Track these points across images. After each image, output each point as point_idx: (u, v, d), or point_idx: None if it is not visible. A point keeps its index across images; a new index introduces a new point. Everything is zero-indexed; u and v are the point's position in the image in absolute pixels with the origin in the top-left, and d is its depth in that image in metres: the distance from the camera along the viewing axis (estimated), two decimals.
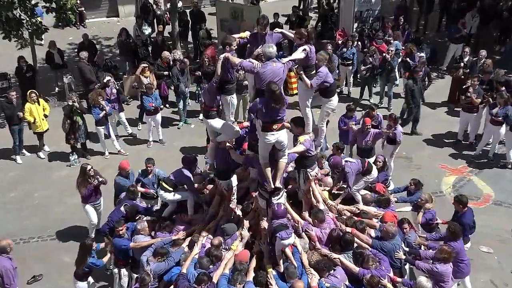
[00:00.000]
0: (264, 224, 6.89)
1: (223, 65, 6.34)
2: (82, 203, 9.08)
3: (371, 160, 9.14)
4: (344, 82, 15.00)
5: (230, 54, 6.34)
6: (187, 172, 7.42)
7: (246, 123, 7.59)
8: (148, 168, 9.13)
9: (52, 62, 14.52)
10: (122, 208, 7.97)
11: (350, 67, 14.45)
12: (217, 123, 6.74)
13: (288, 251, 6.49)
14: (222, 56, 6.28)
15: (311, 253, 6.70)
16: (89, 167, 8.82)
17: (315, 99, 6.94)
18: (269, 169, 6.42)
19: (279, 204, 6.43)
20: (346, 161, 7.79)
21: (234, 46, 6.42)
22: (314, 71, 6.58)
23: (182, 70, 12.92)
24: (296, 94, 7.27)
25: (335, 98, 6.99)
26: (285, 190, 7.13)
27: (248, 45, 6.82)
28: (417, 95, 12.40)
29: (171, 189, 7.35)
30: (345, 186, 7.74)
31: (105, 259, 7.61)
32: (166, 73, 13.34)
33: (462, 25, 15.65)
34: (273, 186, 6.45)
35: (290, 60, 6.33)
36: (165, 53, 13.60)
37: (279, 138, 6.22)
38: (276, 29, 6.92)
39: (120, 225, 7.37)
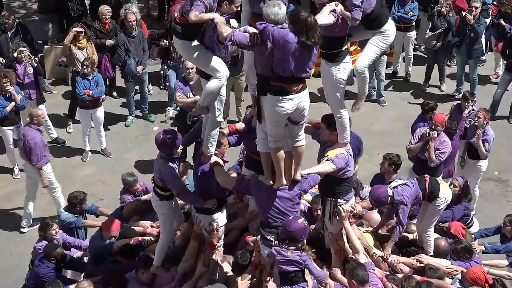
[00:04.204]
0: (271, 286, 6.87)
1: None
2: None
3: None
4: (400, 57, 15.06)
5: (225, 18, 6.39)
6: (169, 166, 7.22)
7: (241, 125, 7.61)
8: (83, 207, 9.33)
9: None
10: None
11: (410, 33, 14.54)
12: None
13: None
14: (212, 16, 6.33)
15: None
16: None
17: (358, 33, 6.87)
18: (283, 155, 6.47)
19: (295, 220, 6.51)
20: (394, 187, 7.75)
21: (236, 6, 6.50)
22: None
23: (133, 37, 12.93)
24: (318, 75, 7.29)
25: (391, 28, 6.90)
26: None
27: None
28: None
29: (167, 194, 7.32)
30: (398, 224, 7.73)
31: None
32: (109, 41, 13.41)
33: None
34: (284, 182, 6.54)
35: None
36: (103, 8, 13.62)
37: (300, 104, 6.27)
38: None
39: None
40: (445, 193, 7.74)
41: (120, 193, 9.71)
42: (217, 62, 6.55)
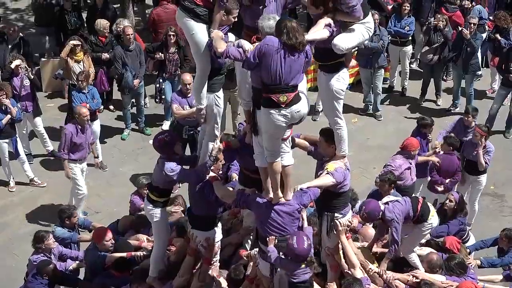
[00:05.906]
0: None
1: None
2: None
3: None
4: (396, 71, 15.12)
5: (222, 31, 6.44)
6: (172, 165, 7.06)
7: (234, 141, 7.56)
8: (72, 220, 9.21)
9: None
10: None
11: (406, 48, 14.58)
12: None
13: None
14: (212, 34, 6.41)
15: None
16: None
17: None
18: (279, 169, 6.46)
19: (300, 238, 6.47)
20: (385, 203, 7.76)
21: (234, 17, 6.54)
22: None
23: (130, 50, 12.96)
24: (314, 89, 7.31)
25: (372, 21, 6.91)
26: None
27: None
28: None
29: (161, 200, 7.31)
30: (392, 243, 7.73)
31: None
32: (105, 55, 13.44)
33: None
34: (280, 195, 6.53)
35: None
36: (101, 22, 13.63)
37: (297, 114, 6.28)
38: None
39: None
40: (433, 219, 7.80)
41: (132, 193, 9.99)
42: (207, 56, 6.58)
